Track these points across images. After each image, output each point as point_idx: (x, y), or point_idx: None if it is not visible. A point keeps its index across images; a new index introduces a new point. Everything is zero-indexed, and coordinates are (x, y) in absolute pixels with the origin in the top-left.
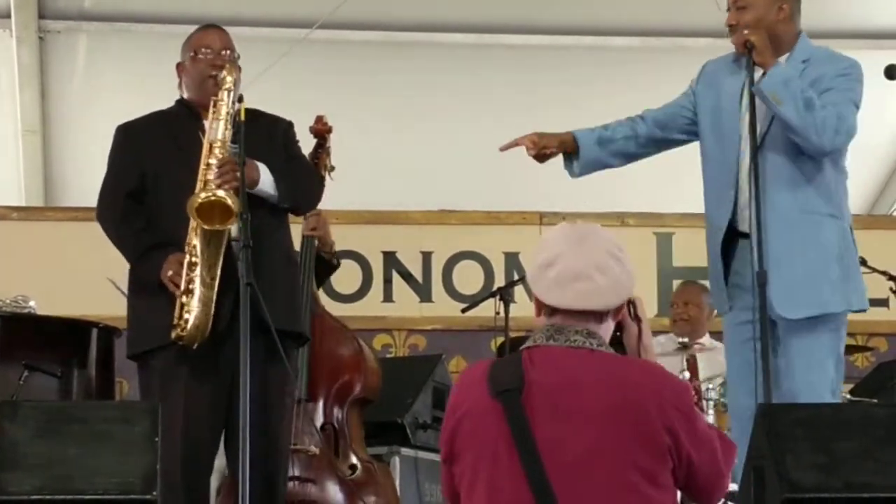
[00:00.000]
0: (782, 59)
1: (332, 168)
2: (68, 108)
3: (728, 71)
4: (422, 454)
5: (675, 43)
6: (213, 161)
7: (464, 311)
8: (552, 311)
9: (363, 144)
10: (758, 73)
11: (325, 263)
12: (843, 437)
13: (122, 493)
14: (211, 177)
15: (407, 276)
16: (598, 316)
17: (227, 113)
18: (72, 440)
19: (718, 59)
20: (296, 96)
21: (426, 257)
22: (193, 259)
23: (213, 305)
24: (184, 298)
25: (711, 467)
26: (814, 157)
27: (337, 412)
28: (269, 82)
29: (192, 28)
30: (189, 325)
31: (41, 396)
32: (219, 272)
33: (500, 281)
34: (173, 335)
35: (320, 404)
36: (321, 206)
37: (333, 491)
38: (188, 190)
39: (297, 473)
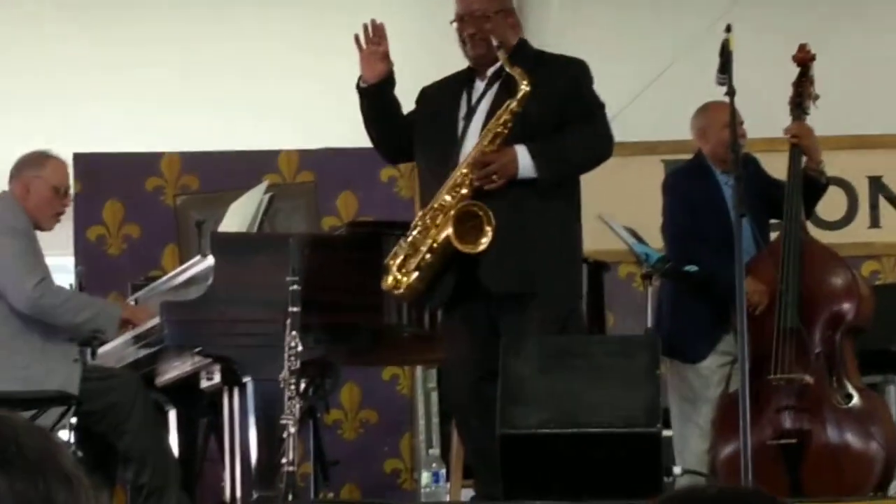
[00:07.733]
0: None
1: (817, 97)
2: None
3: None
4: None
5: None
6: None
7: None
8: None
9: (844, 68)
10: None
11: (813, 183)
12: None
13: (626, 426)
14: None
15: (894, 201)
16: None
17: None
18: (575, 375)
19: None
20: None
21: None
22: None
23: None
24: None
25: None
26: None
27: (830, 340)
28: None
29: None
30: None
31: None
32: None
33: None
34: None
35: (814, 332)
36: None
37: (828, 419)
38: None
39: (790, 403)
